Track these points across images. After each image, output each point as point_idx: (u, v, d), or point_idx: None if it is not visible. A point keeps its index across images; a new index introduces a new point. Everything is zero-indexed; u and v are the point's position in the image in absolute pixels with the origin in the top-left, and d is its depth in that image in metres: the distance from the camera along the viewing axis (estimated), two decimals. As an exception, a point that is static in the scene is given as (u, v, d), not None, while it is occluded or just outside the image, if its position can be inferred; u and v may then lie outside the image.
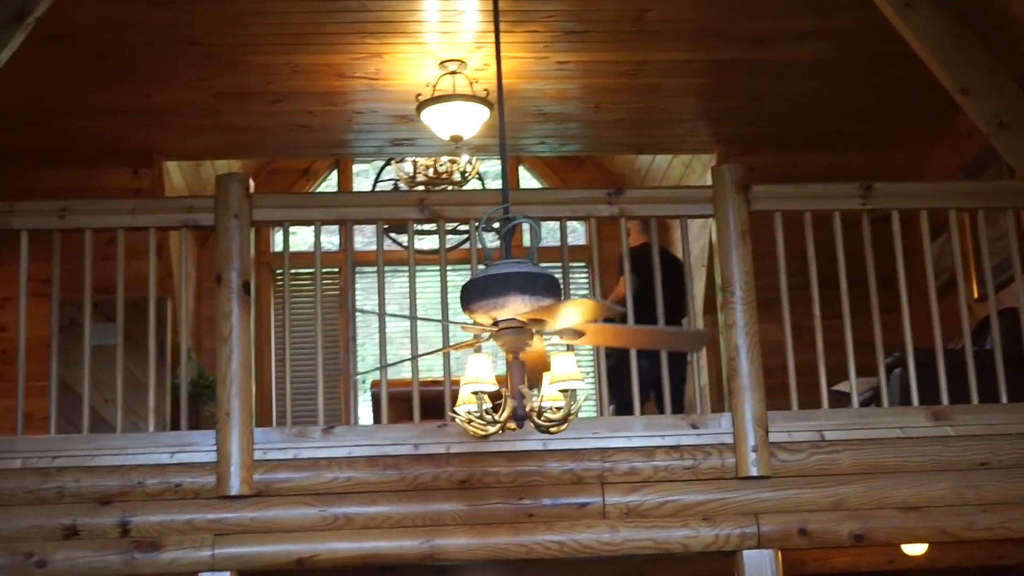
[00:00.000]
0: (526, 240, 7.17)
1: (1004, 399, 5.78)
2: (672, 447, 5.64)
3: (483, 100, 7.01)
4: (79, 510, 5.50)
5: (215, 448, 5.57)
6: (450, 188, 7.84)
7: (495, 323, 4.17)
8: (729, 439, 5.64)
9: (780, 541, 5.56)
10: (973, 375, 5.78)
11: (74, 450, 5.61)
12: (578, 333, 4.33)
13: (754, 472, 5.56)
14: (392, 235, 8.25)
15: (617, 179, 9.59)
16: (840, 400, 6.06)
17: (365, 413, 9.23)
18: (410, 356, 5.92)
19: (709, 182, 6.06)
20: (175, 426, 6.26)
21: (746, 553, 5.53)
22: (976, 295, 7.44)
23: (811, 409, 5.76)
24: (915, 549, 6.56)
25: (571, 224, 7.71)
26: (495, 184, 9.51)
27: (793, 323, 5.91)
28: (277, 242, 9.19)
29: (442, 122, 7.14)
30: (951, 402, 5.76)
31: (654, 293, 5.90)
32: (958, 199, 6.31)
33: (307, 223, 6.56)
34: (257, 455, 5.60)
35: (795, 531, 5.56)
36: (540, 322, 4.16)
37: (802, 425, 5.68)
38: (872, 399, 6.04)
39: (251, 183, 6.01)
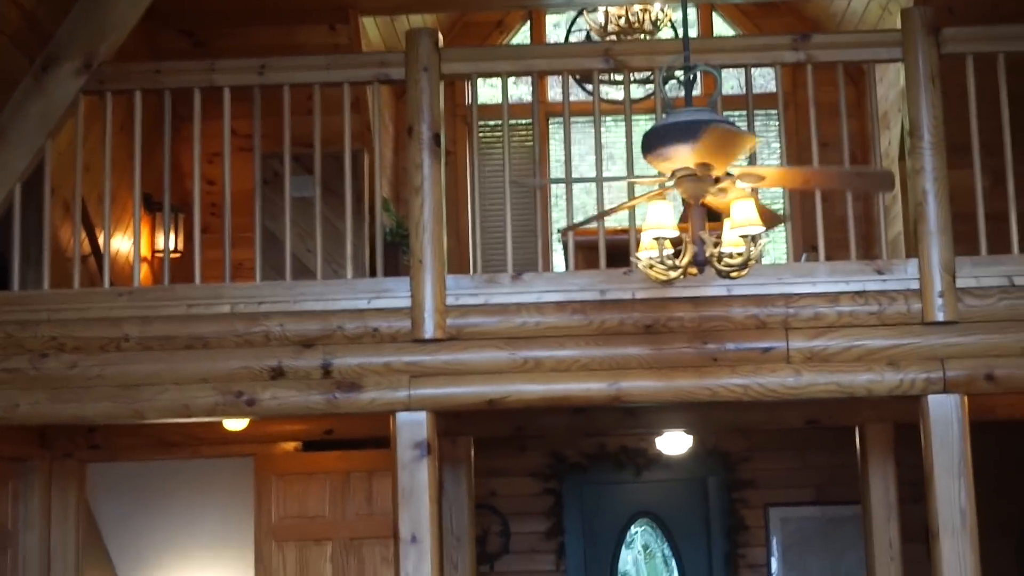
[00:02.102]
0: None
1: None
2: (857, 293, 5.68)
3: None
4: (284, 352, 5.80)
5: (409, 294, 5.78)
6: (640, 37, 7.78)
7: (673, 172, 4.21)
8: (915, 284, 5.65)
9: (966, 386, 5.58)
10: None
11: (278, 296, 5.88)
12: (758, 177, 4.38)
13: (940, 317, 5.57)
14: (583, 86, 8.30)
15: (812, 24, 9.48)
16: None
17: (558, 261, 9.45)
18: (596, 214, 6.07)
19: (897, 27, 5.97)
20: (373, 273, 6.47)
21: (931, 398, 5.58)
22: None
23: (1001, 255, 5.74)
24: None
25: (761, 71, 7.70)
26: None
27: (984, 169, 5.84)
28: (467, 93, 9.12)
29: None
30: None
31: None
32: None
33: (494, 75, 6.65)
34: (449, 300, 5.79)
35: (982, 376, 5.57)
36: (718, 167, 4.16)
37: (991, 271, 5.66)
38: None
39: (440, 37, 6.12)
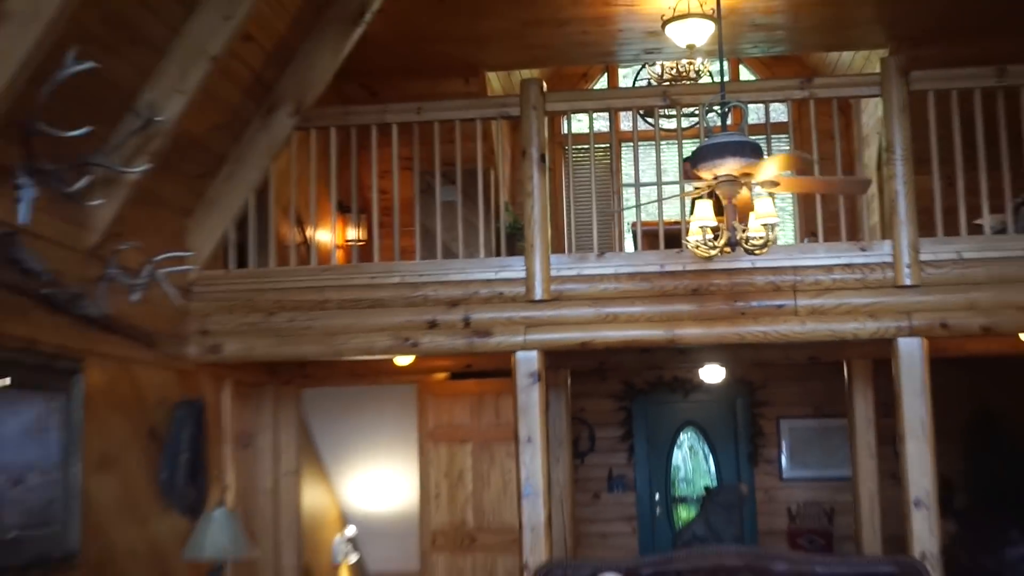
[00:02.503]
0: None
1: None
2: (846, 265, 5.82)
3: (710, 16, 6.95)
4: (437, 310, 6.03)
5: (524, 269, 6.00)
6: (687, 83, 7.76)
7: (715, 178, 4.38)
8: (889, 259, 5.77)
9: (926, 332, 5.72)
10: None
11: (432, 271, 6.11)
12: (774, 183, 4.50)
13: (907, 282, 5.71)
14: (646, 119, 8.40)
15: (812, 71, 9.43)
16: (976, 230, 6.03)
17: (628, 244, 9.51)
18: (656, 199, 6.20)
19: (878, 70, 6.04)
20: (498, 254, 6.56)
21: (901, 340, 5.74)
22: None
23: (952, 236, 5.82)
24: None
25: (775, 105, 7.81)
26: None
27: (940, 175, 5.90)
28: (563, 125, 9.15)
29: (680, 34, 7.10)
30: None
31: None
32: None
33: (583, 111, 6.76)
34: (552, 273, 5.98)
35: (938, 325, 5.71)
36: (748, 176, 4.35)
37: (945, 248, 5.77)
38: (1001, 229, 6.01)
39: (544, 85, 6.25)
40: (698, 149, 4.41)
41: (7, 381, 4.46)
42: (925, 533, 5.64)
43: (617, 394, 9.82)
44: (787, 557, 5.74)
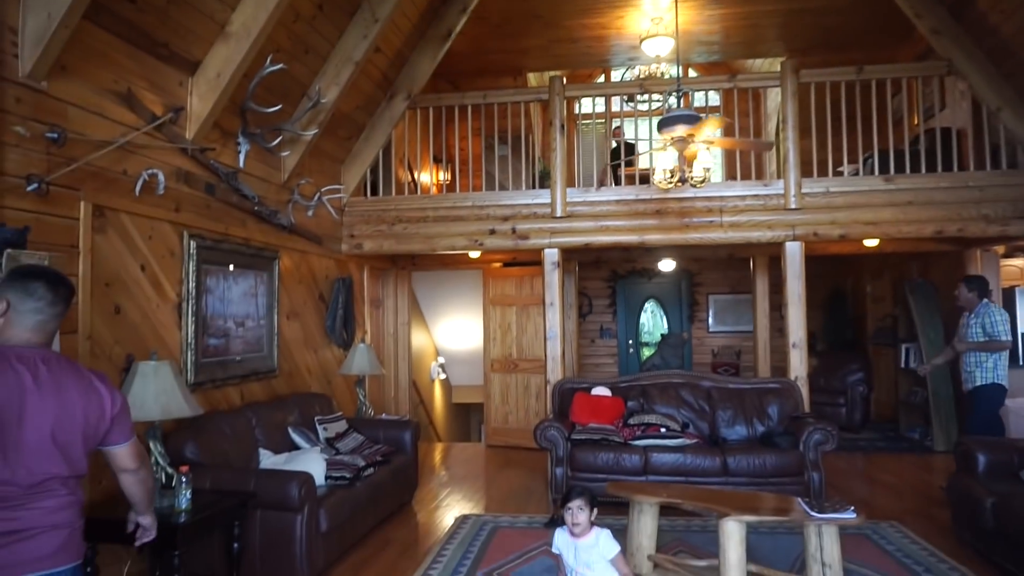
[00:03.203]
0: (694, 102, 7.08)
1: (924, 170, 5.58)
2: (755, 195, 5.73)
3: (671, 35, 6.73)
4: (494, 223, 6.01)
5: (550, 197, 5.94)
6: (656, 78, 7.53)
7: (673, 138, 4.29)
8: (782, 191, 5.67)
9: (804, 238, 5.65)
10: (908, 161, 5.63)
11: (492, 198, 6.04)
12: (710, 142, 4.42)
13: (793, 206, 5.63)
14: (628, 102, 8.18)
15: (736, 70, 9.09)
16: (839, 175, 5.89)
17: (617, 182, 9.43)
18: (630, 157, 6.09)
19: (778, 70, 5.84)
20: (533, 187, 6.50)
21: (788, 244, 5.67)
22: (916, 121, 6.80)
23: (823, 177, 5.71)
24: (872, 242, 6.42)
25: (711, 93, 7.62)
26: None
27: (817, 139, 5.83)
28: (576, 106, 9.14)
29: (652, 48, 6.88)
30: (896, 172, 5.62)
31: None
32: (896, 72, 5.76)
33: (588, 96, 6.47)
34: (568, 199, 5.92)
35: (812, 233, 5.63)
36: (692, 136, 4.23)
37: (818, 185, 5.65)
38: (855, 174, 5.88)
39: (564, 80, 6.11)
40: (663, 119, 4.30)
41: (231, 268, 4.57)
42: (798, 364, 5.67)
43: (606, 277, 9.78)
44: (711, 378, 5.78)
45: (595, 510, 2.93)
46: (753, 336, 7.44)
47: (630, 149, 6.24)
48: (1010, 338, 4.99)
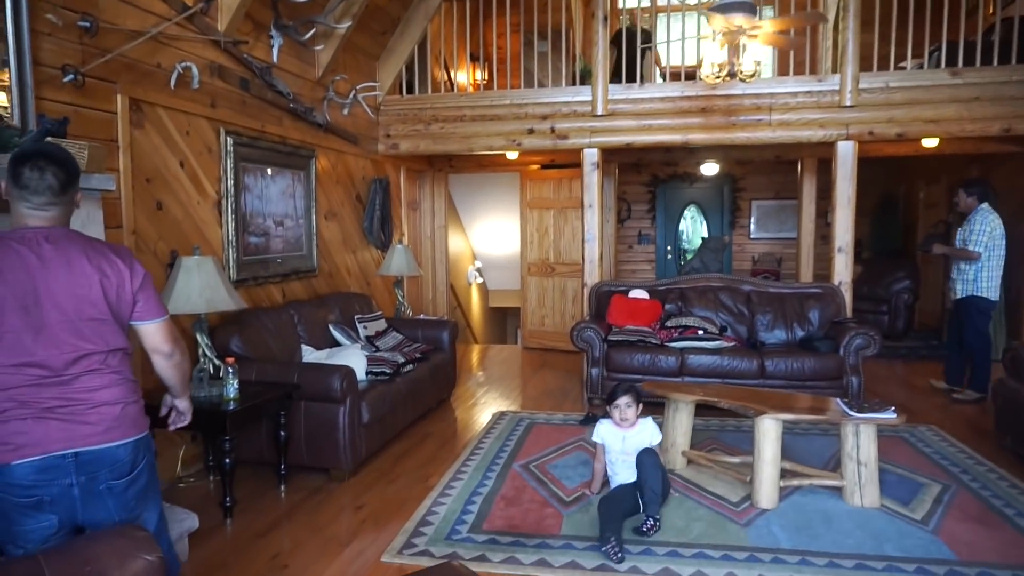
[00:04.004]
0: None
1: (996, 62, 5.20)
2: (807, 92, 5.44)
3: None
4: (533, 122, 5.83)
5: (591, 93, 5.72)
6: None
7: (729, 30, 3.98)
8: (837, 87, 5.38)
9: (858, 137, 5.39)
10: (980, 53, 5.20)
11: (531, 96, 5.83)
12: (757, 28, 4.06)
13: (848, 103, 5.35)
14: None
15: None
16: (901, 70, 5.52)
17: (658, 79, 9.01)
18: (647, 44, 5.62)
19: None
20: (573, 83, 6.18)
21: (840, 143, 5.42)
22: (991, 10, 6.26)
23: (883, 71, 5.39)
24: (930, 143, 6.18)
25: None
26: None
27: (880, 33, 5.51)
28: (622, 1, 8.77)
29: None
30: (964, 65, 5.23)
31: None
32: None
33: None
34: (609, 97, 5.69)
35: (867, 132, 5.37)
36: (743, 30, 3.96)
37: (876, 80, 5.34)
38: (919, 67, 5.52)
39: None
40: (716, 5, 3.98)
41: (268, 171, 4.54)
42: (843, 269, 5.55)
43: (647, 182, 9.53)
44: (751, 282, 5.70)
45: (640, 405, 3.28)
46: (797, 242, 7.25)
47: (645, 37, 5.84)
48: (981, 250, 4.80)
